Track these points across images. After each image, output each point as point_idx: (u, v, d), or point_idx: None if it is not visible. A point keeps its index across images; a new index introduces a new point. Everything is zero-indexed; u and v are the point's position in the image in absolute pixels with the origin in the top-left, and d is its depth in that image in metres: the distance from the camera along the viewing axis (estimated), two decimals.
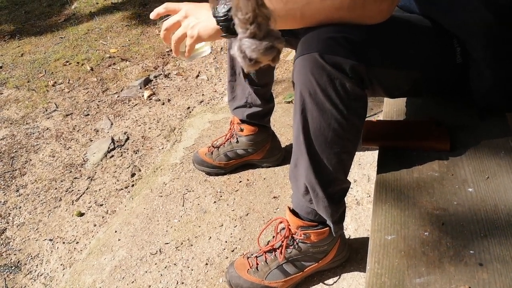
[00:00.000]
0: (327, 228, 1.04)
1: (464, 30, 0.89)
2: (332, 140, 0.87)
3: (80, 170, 1.74)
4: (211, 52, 2.40)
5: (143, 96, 2.20)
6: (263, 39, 0.55)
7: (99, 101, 2.20)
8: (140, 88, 2.27)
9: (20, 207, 1.59)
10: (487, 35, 0.88)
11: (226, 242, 1.31)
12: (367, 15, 0.80)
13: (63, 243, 1.43)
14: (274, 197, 1.45)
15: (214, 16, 0.85)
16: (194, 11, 0.89)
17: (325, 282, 1.15)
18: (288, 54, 2.36)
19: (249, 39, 0.55)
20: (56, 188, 1.66)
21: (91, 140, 1.92)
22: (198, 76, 2.34)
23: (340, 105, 0.83)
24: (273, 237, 1.13)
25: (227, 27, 0.85)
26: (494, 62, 0.90)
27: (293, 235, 1.07)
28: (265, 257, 1.11)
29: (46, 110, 2.16)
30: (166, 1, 0.98)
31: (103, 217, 1.51)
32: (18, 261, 1.38)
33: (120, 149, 1.84)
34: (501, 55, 0.90)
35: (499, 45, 0.89)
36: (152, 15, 0.95)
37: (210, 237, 1.33)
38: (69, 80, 2.42)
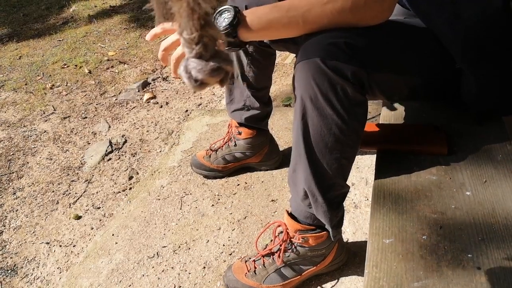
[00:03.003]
0: (325, 232, 1.04)
1: (444, 38, 0.89)
2: (333, 145, 0.87)
3: (77, 173, 1.74)
4: None
5: (141, 99, 2.20)
6: (210, 60, 0.53)
7: (97, 104, 2.20)
8: (138, 91, 2.27)
9: (17, 210, 1.58)
10: (465, 43, 0.87)
11: (224, 245, 1.31)
12: (370, 15, 0.80)
13: (60, 246, 1.42)
14: (272, 201, 1.45)
15: None
16: None
17: (323, 286, 1.15)
18: (286, 58, 2.37)
19: (195, 59, 0.53)
20: (53, 191, 1.66)
21: (89, 143, 1.91)
22: None
23: (341, 111, 0.83)
24: (271, 240, 1.13)
25: (229, 41, 0.85)
26: (475, 69, 0.90)
27: (291, 239, 1.07)
28: (263, 260, 1.11)
29: (44, 113, 2.16)
30: None
31: (100, 220, 1.50)
32: (15, 265, 1.37)
33: (118, 152, 1.83)
34: (480, 62, 0.89)
35: (478, 53, 0.88)
36: (149, 37, 0.89)
37: (208, 241, 1.33)
38: (67, 82, 2.41)
